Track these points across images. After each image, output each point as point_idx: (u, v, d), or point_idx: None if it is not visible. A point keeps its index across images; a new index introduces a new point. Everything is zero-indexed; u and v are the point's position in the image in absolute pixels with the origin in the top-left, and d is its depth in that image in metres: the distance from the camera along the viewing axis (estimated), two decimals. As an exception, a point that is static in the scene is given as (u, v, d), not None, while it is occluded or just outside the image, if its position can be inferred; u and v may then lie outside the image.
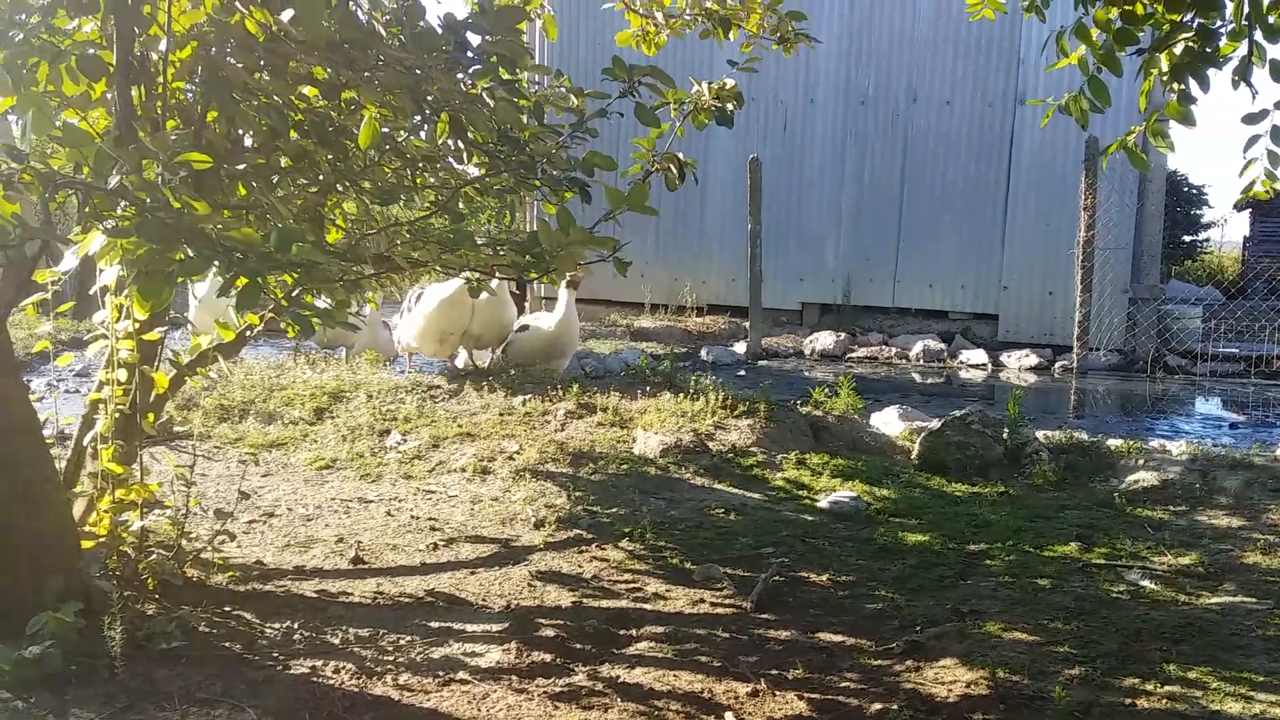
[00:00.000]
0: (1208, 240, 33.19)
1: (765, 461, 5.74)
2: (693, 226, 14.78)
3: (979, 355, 13.17)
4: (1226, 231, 37.76)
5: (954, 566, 4.25)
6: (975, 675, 3.15)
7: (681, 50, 7.35)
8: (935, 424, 6.24)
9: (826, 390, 7.10)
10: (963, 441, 5.97)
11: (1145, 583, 4.07)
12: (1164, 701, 2.99)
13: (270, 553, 4.23)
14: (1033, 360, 13.02)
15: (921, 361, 13.07)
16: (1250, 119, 2.98)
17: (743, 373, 11.15)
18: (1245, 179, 3.15)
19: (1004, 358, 13.23)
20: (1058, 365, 12.84)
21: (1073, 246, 12.59)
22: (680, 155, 4.23)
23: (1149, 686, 3.09)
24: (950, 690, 3.08)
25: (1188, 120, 3.07)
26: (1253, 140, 3.05)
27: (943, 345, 13.52)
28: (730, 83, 4.32)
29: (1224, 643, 3.46)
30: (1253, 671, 3.21)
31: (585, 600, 3.80)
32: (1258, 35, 2.98)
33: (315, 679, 3.06)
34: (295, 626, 3.42)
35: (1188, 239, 30.20)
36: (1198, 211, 29.51)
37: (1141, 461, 5.74)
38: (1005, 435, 6.04)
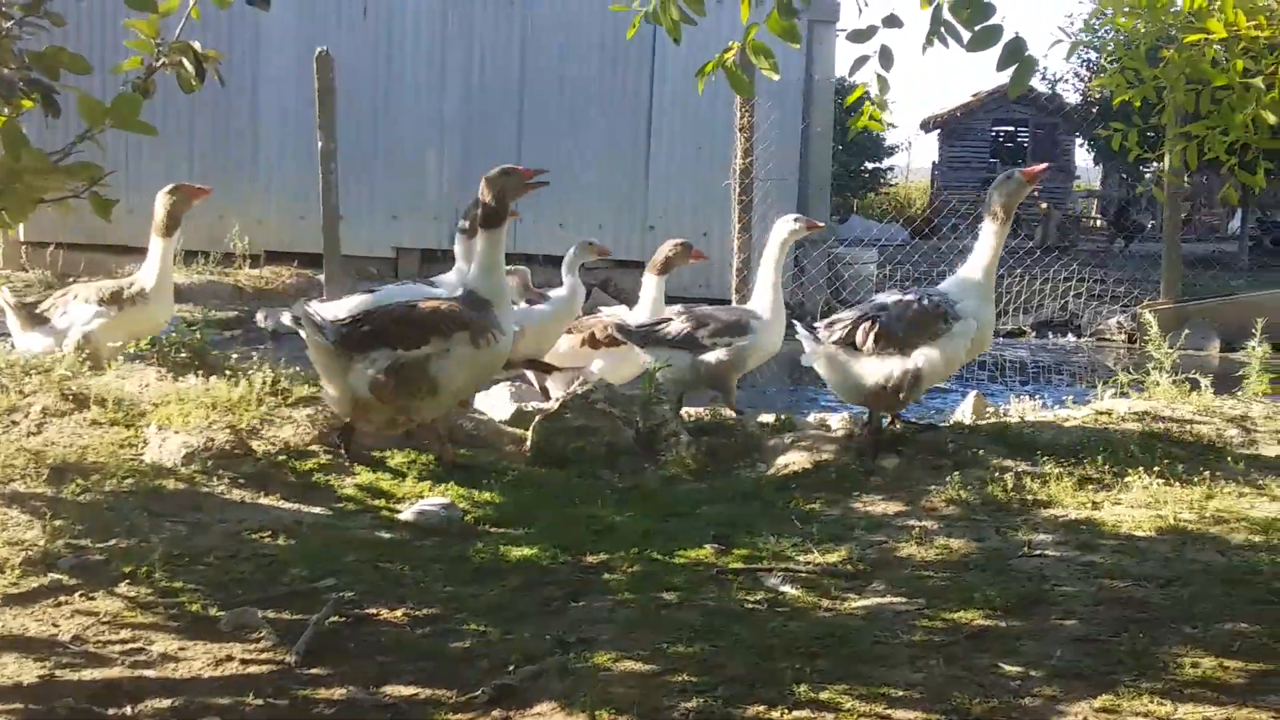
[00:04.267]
0: (893, 168, 36.69)
1: (331, 464, 5.73)
2: (243, 146, 14.34)
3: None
4: (913, 157, 41.90)
5: (566, 585, 4.49)
6: (574, 722, 3.36)
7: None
8: (553, 405, 6.50)
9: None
10: (586, 426, 6.27)
11: (786, 588, 4.50)
12: (791, 731, 3.34)
13: None
14: (685, 318, 13.84)
15: (551, 323, 13.50)
16: (857, 36, 3.25)
17: (315, 344, 11.00)
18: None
19: (652, 316, 13.96)
20: (713, 324, 13.74)
21: (729, 177, 13.49)
22: (197, 45, 4.08)
23: (775, 714, 3.42)
24: (543, 744, 3.27)
25: (791, 36, 3.34)
26: (860, 62, 3.34)
27: (577, 302, 14.05)
28: None
29: (865, 653, 3.89)
30: (892, 685, 3.64)
31: (58, 673, 3.64)
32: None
33: None
34: None
35: (871, 165, 33.24)
36: (881, 134, 32.44)
37: (792, 440, 6.31)
38: (638, 416, 6.40)
